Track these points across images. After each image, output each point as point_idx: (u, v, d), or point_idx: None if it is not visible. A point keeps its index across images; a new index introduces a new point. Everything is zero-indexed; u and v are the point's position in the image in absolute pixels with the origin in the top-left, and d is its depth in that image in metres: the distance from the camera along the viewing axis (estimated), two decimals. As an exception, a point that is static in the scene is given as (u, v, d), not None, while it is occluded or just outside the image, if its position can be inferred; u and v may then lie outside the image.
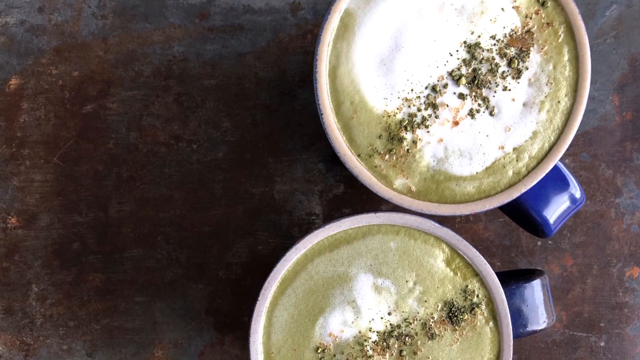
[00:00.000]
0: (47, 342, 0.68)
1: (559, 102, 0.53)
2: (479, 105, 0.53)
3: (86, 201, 0.68)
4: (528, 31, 0.53)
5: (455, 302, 0.54)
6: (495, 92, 0.53)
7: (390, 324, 0.53)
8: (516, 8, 0.53)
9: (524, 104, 0.53)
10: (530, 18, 0.53)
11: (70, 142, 0.68)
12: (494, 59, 0.53)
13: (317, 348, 0.53)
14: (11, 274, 0.68)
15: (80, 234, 0.68)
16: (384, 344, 0.53)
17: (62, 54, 0.68)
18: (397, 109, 0.53)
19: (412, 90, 0.53)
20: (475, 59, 0.53)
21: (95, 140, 0.68)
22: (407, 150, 0.53)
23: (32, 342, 0.68)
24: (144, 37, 0.68)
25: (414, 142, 0.53)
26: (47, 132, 0.68)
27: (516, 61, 0.53)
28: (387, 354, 0.53)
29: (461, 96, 0.53)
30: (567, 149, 0.54)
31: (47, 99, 0.67)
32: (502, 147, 0.53)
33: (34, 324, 0.68)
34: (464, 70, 0.53)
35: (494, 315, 0.54)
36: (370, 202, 0.68)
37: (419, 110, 0.53)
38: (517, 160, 0.54)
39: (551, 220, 0.56)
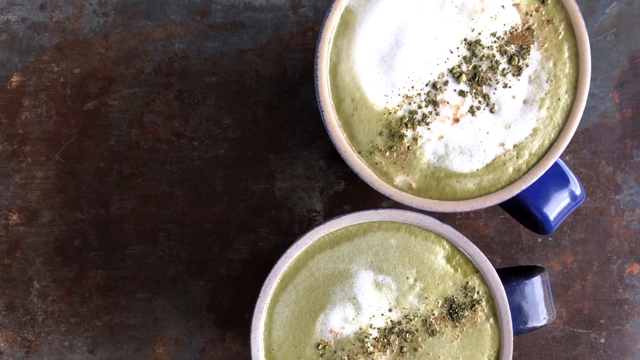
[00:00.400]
0: (48, 338, 0.68)
1: (559, 99, 0.54)
2: (480, 102, 0.53)
3: (87, 198, 0.68)
4: (528, 28, 0.53)
5: (455, 299, 0.54)
6: (495, 89, 0.53)
7: (391, 321, 0.53)
8: (516, 5, 0.53)
9: (524, 101, 0.53)
10: (531, 15, 0.53)
11: (71, 139, 0.68)
12: (495, 56, 0.53)
13: (318, 344, 0.54)
14: (13, 271, 0.68)
15: (81, 231, 0.68)
16: (385, 340, 0.53)
17: (64, 51, 0.68)
18: (398, 106, 0.53)
19: (412, 87, 0.53)
20: (476, 56, 0.53)
21: (96, 137, 0.68)
22: (408, 147, 0.53)
23: (33, 339, 0.68)
24: (145, 34, 0.68)
25: (415, 139, 0.53)
26: (49, 129, 0.68)
27: (516, 58, 0.53)
28: (387, 351, 0.54)
29: (461, 93, 0.53)
30: (567, 146, 0.54)
31: (48, 96, 0.68)
32: (503, 144, 0.54)
33: (36, 320, 0.68)
34: (464, 68, 0.53)
35: (495, 311, 0.54)
36: (370, 199, 0.68)
37: (420, 107, 0.53)
38: (517, 157, 0.54)
39: (551, 217, 0.56)
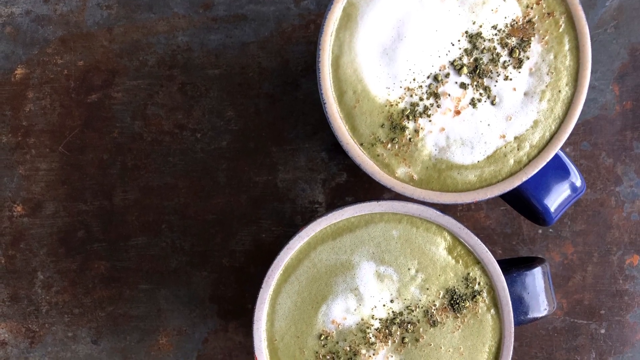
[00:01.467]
0: (52, 329, 0.69)
1: (559, 91, 0.54)
2: (481, 94, 0.53)
3: (91, 189, 0.68)
4: (529, 21, 0.53)
5: (457, 290, 0.54)
6: (496, 81, 0.53)
7: (393, 312, 0.54)
8: (517, -2, 0.54)
9: (525, 94, 0.54)
10: (531, 8, 0.53)
11: (75, 131, 0.68)
12: (495, 49, 0.53)
13: (320, 335, 0.54)
14: (17, 262, 0.68)
15: (85, 222, 0.68)
16: (386, 331, 0.54)
17: (68, 43, 0.68)
18: (400, 98, 0.54)
19: (414, 79, 0.53)
20: (477, 49, 0.53)
21: (100, 129, 0.68)
22: (409, 139, 0.54)
23: (37, 329, 0.68)
24: (149, 27, 0.68)
25: (416, 131, 0.54)
26: (53, 121, 0.68)
27: (517, 51, 0.53)
28: (389, 341, 0.54)
29: (463, 85, 0.53)
30: (568, 138, 0.54)
31: (52, 89, 0.68)
32: (504, 136, 0.54)
33: (40, 311, 0.68)
34: (465, 60, 0.53)
35: (495, 302, 0.54)
36: (372, 190, 0.69)
37: (421, 99, 0.53)
38: (518, 149, 0.54)
39: (552, 209, 0.56)
